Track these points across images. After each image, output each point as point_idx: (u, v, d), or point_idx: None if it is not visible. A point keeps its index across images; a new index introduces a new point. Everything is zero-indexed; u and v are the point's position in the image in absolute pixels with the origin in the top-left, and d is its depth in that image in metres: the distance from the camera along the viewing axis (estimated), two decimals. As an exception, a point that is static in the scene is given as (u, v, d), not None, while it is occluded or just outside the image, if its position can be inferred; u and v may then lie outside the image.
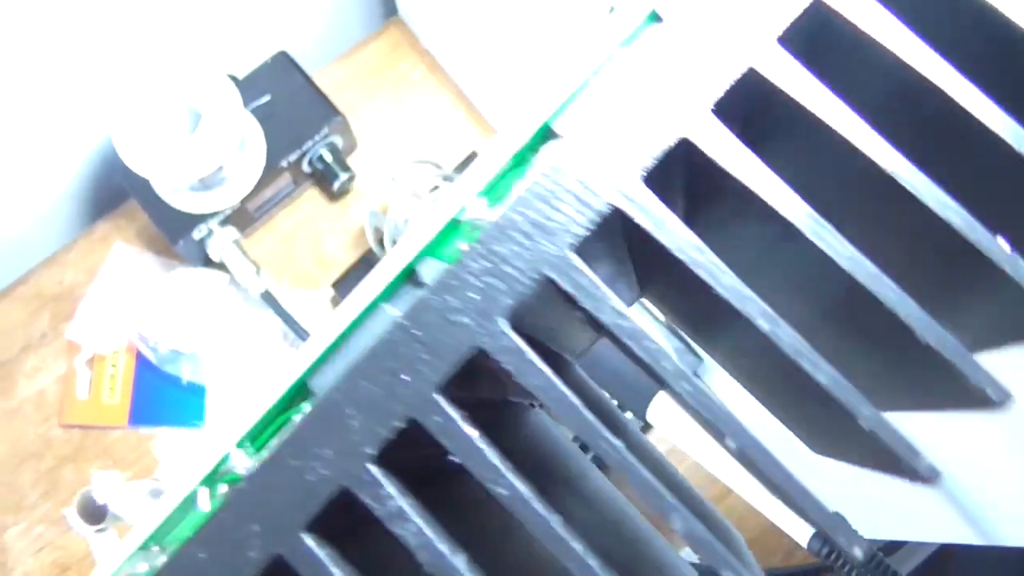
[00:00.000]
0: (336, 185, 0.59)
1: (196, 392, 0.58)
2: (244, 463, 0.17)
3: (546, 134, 0.17)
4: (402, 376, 0.16)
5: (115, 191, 0.58)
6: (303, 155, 0.58)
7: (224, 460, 0.17)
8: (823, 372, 0.16)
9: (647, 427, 0.56)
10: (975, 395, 0.16)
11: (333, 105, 0.58)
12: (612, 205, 0.16)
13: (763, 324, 0.16)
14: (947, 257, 0.17)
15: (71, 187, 0.61)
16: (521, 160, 0.17)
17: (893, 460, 0.16)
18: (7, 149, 0.55)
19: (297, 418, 0.17)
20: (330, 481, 0.16)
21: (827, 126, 0.16)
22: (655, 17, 0.17)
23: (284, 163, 0.57)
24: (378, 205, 0.55)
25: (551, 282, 0.16)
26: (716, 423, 0.16)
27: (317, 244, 0.61)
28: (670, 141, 0.16)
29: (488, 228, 0.16)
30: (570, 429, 0.16)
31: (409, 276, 0.17)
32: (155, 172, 0.51)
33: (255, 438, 0.17)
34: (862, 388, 0.16)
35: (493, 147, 0.17)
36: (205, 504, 0.17)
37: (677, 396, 0.16)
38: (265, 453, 0.16)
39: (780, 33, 0.17)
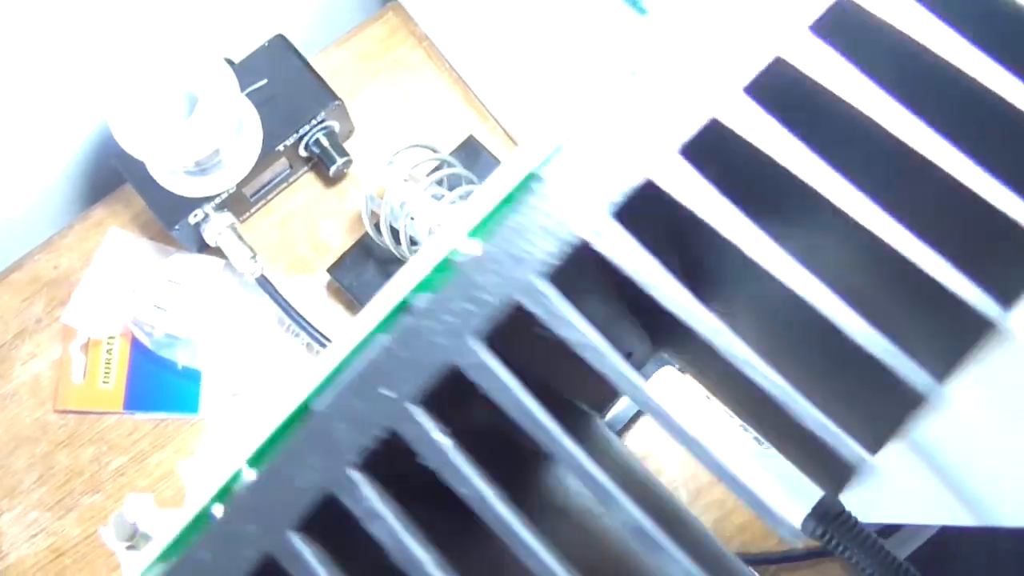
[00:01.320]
0: (333, 169, 0.59)
1: (192, 377, 0.58)
2: (251, 478, 0.18)
3: (533, 180, 0.18)
4: (386, 392, 0.17)
5: (111, 175, 0.58)
6: (300, 139, 0.58)
7: (235, 477, 0.18)
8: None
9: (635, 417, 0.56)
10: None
11: (331, 89, 0.58)
12: (579, 236, 0.17)
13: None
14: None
15: (66, 171, 0.61)
16: (510, 202, 0.18)
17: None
18: (0, 134, 0.54)
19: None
20: (316, 486, 0.17)
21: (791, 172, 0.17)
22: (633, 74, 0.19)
23: (281, 147, 0.57)
24: (375, 189, 0.54)
25: (520, 306, 0.17)
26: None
27: (313, 229, 0.61)
28: (637, 180, 0.18)
29: (469, 260, 0.18)
30: (529, 432, 0.17)
31: (404, 309, 0.18)
32: (151, 155, 0.51)
33: (260, 456, 0.19)
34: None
35: (483, 192, 0.18)
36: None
37: (648, 410, 0.17)
38: (265, 467, 0.18)
39: (746, 84, 0.18)
